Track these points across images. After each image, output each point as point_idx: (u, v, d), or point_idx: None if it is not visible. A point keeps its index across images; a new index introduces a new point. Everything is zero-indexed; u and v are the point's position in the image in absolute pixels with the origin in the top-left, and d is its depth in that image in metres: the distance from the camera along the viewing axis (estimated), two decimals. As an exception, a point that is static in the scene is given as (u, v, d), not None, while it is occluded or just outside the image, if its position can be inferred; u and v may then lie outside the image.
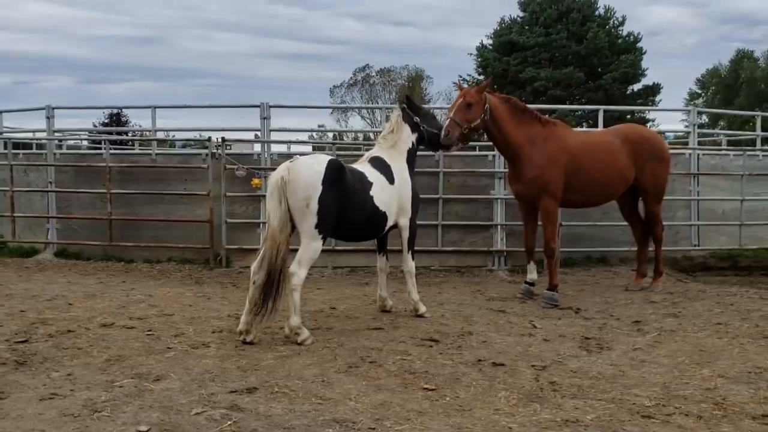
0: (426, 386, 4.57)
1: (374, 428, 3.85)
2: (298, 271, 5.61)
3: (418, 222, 9.83)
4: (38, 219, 10.80)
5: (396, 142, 6.72)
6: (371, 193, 6.11)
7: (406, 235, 6.67)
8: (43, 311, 6.75)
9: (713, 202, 11.07)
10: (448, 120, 7.21)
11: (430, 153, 10.64)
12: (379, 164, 6.46)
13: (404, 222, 6.63)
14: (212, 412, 4.03)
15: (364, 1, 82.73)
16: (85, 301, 7.36)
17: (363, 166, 6.39)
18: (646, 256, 8.61)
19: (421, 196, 9.80)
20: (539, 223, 7.84)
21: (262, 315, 5.55)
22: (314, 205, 5.56)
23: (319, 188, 5.57)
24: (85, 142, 19.39)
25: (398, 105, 7.06)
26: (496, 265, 10.02)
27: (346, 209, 5.82)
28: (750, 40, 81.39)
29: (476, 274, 9.58)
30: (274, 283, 5.52)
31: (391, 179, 6.42)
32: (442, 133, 7.11)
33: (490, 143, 8.19)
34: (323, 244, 5.83)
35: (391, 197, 6.36)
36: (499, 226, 10.10)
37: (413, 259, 6.79)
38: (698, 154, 11.21)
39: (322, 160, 5.76)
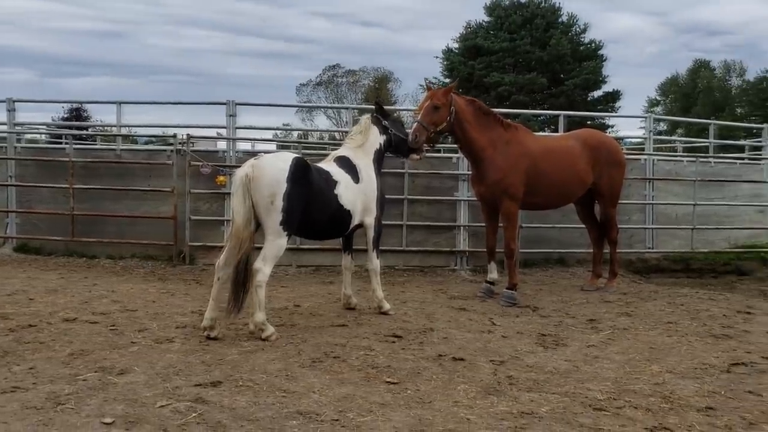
0: (388, 380, 4.69)
1: (338, 420, 3.95)
2: (263, 267, 5.66)
3: (384, 222, 10.02)
4: (-3, 213, 10.60)
5: (363, 143, 6.84)
6: (336, 191, 6.19)
7: (371, 234, 6.77)
8: (2, 306, 6.68)
9: (667, 206, 11.44)
10: (416, 123, 7.35)
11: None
12: (345, 163, 6.55)
13: (369, 221, 6.72)
14: (177, 405, 4.08)
15: (333, 0, 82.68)
16: (46, 296, 7.29)
17: (329, 165, 6.46)
18: (601, 258, 8.89)
19: (386, 196, 10.02)
20: (500, 224, 8.03)
21: (228, 312, 5.61)
22: (279, 202, 5.62)
23: (284, 185, 5.63)
24: (44, 136, 19.04)
25: (372, 109, 7.21)
26: (458, 265, 10.21)
27: (311, 207, 5.89)
28: (708, 49, 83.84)
29: (439, 273, 9.75)
30: (239, 280, 5.57)
31: (356, 178, 6.51)
32: (410, 136, 7.27)
33: (455, 146, 8.36)
34: (288, 242, 5.89)
35: (356, 196, 6.45)
36: (462, 227, 10.29)
37: (378, 257, 6.90)
38: (653, 160, 11.57)
39: (287, 158, 5.83)
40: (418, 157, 7.54)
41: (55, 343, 5.42)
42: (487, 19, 40.68)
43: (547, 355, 5.49)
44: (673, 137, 29.67)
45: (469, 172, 8.95)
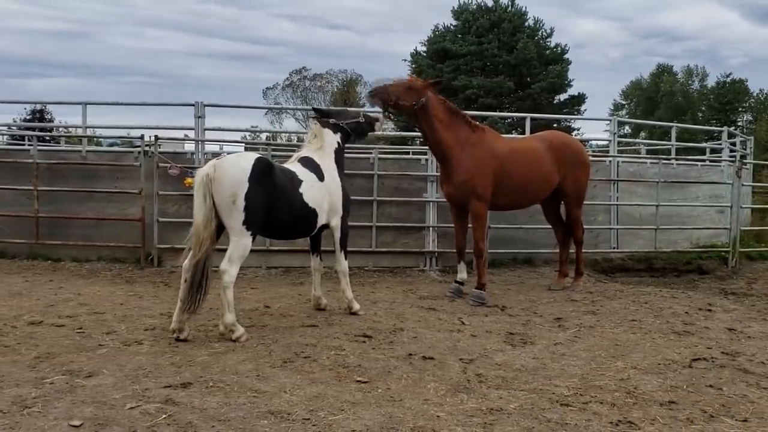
0: (359, 379, 4.72)
1: (309, 419, 3.97)
2: (229, 268, 5.63)
3: (353, 223, 10.04)
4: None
5: (322, 145, 6.87)
6: (301, 190, 6.20)
7: (338, 235, 6.79)
8: (-35, 310, 6.55)
9: (631, 207, 11.67)
10: (384, 83, 7.49)
11: (365, 155, 10.86)
12: (309, 163, 6.57)
13: (336, 222, 6.74)
14: (147, 407, 4.06)
15: (299, 2, 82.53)
16: (10, 299, 7.16)
17: (293, 165, 6.46)
18: (567, 258, 9.04)
19: (355, 198, 10.06)
20: (469, 225, 8.13)
21: (182, 311, 5.55)
22: (240, 202, 5.59)
23: (246, 185, 5.61)
24: (4, 138, 18.63)
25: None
26: (427, 266, 10.28)
27: (275, 206, 5.87)
28: (670, 54, 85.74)
29: (408, 274, 9.81)
30: (196, 280, 5.51)
31: (321, 177, 6.53)
32: (371, 89, 7.49)
33: (423, 148, 8.43)
34: (253, 242, 5.87)
35: (322, 195, 6.46)
36: (431, 228, 10.37)
37: (346, 258, 6.93)
38: (618, 162, 11.81)
39: (249, 158, 5.81)
40: (380, 129, 7.68)
41: (20, 346, 5.34)
42: (454, 22, 40.95)
43: (515, 353, 5.58)
44: (637, 140, 30.27)
45: (438, 174, 9.03)
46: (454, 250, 8.46)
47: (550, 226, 9.35)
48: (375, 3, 78.98)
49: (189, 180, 9.49)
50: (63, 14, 77.27)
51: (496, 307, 7.55)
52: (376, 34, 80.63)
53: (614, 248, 11.40)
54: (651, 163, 12.98)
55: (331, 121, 7.08)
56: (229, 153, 6.09)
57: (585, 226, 10.59)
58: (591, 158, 12.20)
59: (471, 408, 4.24)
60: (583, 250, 9.12)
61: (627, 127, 46.32)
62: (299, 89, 49.28)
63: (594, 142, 20.76)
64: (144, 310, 6.86)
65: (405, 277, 9.57)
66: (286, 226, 6.22)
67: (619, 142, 13.95)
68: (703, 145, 19.05)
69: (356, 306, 6.92)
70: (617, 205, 11.46)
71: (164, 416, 3.92)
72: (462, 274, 8.23)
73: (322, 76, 49.18)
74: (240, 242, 5.68)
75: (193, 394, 4.33)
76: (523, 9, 40.53)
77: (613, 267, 11.11)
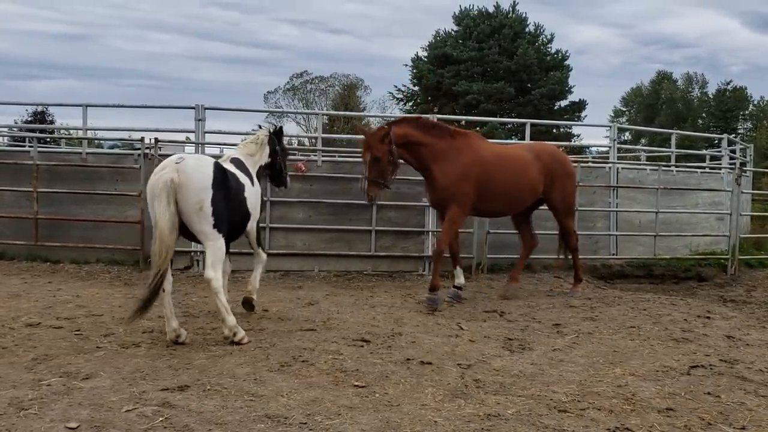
0: (357, 384, 4.72)
1: (306, 423, 3.97)
2: (214, 275, 5.57)
3: (353, 227, 10.09)
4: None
5: (254, 155, 6.84)
6: (246, 194, 6.19)
7: (254, 235, 6.83)
8: (-38, 311, 6.55)
9: (630, 213, 11.67)
10: (365, 180, 7.47)
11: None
12: (241, 167, 6.51)
13: (252, 225, 6.66)
14: (143, 409, 4.06)
15: (300, 7, 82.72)
16: (8, 300, 7.15)
17: (234, 168, 6.36)
18: (522, 265, 8.96)
19: (355, 202, 10.08)
20: (461, 229, 8.12)
21: (135, 312, 5.43)
22: (207, 208, 5.57)
23: (210, 191, 5.58)
24: (4, 139, 18.63)
25: (264, 129, 7.28)
26: (426, 270, 10.26)
27: (230, 210, 5.86)
28: (670, 62, 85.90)
29: (407, 278, 9.80)
30: (156, 285, 5.41)
31: (252, 182, 6.52)
32: (364, 196, 7.60)
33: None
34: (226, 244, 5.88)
35: (256, 198, 6.49)
36: (430, 233, 10.36)
37: (264, 251, 7.08)
38: (617, 168, 11.82)
39: (208, 163, 5.78)
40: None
41: (18, 348, 5.33)
42: (455, 28, 41.05)
43: (513, 359, 5.57)
44: (637, 146, 30.28)
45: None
46: (449, 256, 8.36)
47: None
48: (376, 8, 79.17)
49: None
50: (65, 17, 77.49)
51: (494, 312, 7.54)
52: (376, 39, 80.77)
53: (613, 255, 11.39)
54: (651, 169, 12.98)
55: (277, 147, 7.14)
56: (181, 156, 5.82)
57: (585, 232, 10.63)
58: (592, 164, 12.27)
59: (468, 413, 4.23)
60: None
61: (627, 134, 46.36)
62: (301, 92, 49.28)
63: (594, 149, 20.77)
64: (142, 312, 6.84)
65: (404, 282, 9.56)
66: (237, 228, 6.21)
67: (619, 149, 13.95)
68: (703, 152, 19.12)
69: (254, 296, 6.91)
70: (617, 211, 11.45)
71: (161, 419, 3.92)
72: (459, 279, 8.22)
73: (325, 79, 49.22)
74: (215, 245, 5.65)
75: (191, 397, 4.32)
76: (524, 15, 40.70)
77: (612, 273, 11.10)
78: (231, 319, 5.66)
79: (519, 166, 8.16)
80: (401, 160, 7.77)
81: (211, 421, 3.92)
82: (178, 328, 5.64)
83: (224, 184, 5.76)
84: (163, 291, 5.59)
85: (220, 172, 5.74)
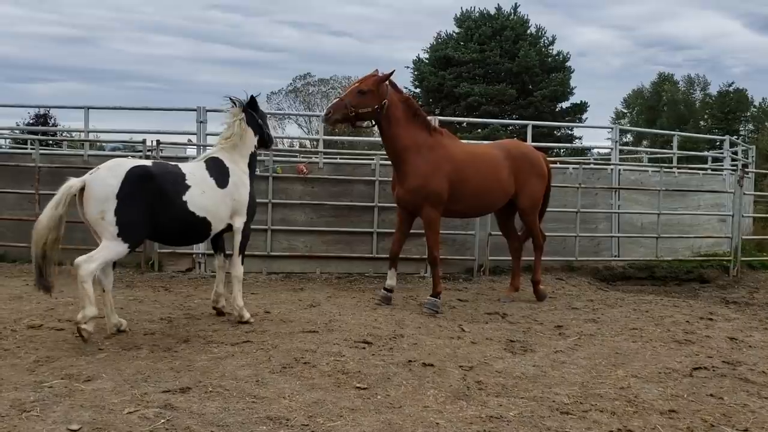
0: (358, 385, 4.71)
1: (307, 425, 3.97)
2: (84, 263, 5.50)
3: (355, 229, 10.07)
4: (-42, 219, 10.36)
5: (237, 145, 6.55)
6: (185, 197, 5.91)
7: (238, 238, 6.51)
8: (-35, 313, 6.55)
9: (632, 215, 11.66)
10: (336, 99, 7.32)
11: (367, 161, 10.87)
12: (215, 166, 6.31)
13: (238, 225, 6.47)
14: (145, 411, 4.05)
15: (302, 9, 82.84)
16: (10, 302, 7.15)
17: (191, 167, 6.24)
18: (519, 269, 8.83)
19: (357, 204, 10.08)
20: (414, 231, 8.03)
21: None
22: (111, 217, 5.52)
23: (114, 201, 5.51)
24: (6, 142, 18.65)
25: (235, 105, 6.65)
26: (427, 272, 10.24)
27: (155, 214, 5.72)
28: (672, 63, 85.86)
29: (409, 280, 9.79)
30: (37, 276, 5.70)
31: (222, 183, 6.25)
32: (326, 110, 7.33)
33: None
34: (132, 250, 5.83)
35: (216, 202, 6.16)
36: (431, 235, 10.33)
37: (243, 264, 6.63)
38: (619, 170, 11.80)
39: (120, 171, 5.61)
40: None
41: (20, 350, 5.34)
42: (457, 30, 41.10)
43: (515, 361, 5.56)
44: (639, 148, 30.29)
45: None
46: (388, 255, 8.21)
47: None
48: (377, 10, 79.29)
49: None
50: (67, 19, 77.81)
51: (496, 314, 7.53)
52: (378, 40, 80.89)
53: (615, 256, 11.37)
54: (653, 171, 12.97)
55: (258, 120, 6.78)
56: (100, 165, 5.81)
57: (587, 234, 10.62)
58: (593, 166, 12.26)
59: (470, 415, 4.23)
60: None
61: (629, 136, 46.37)
62: (303, 94, 49.31)
63: (596, 150, 20.78)
64: (144, 314, 6.85)
65: (405, 284, 9.55)
66: (171, 234, 6.05)
67: (620, 150, 13.94)
68: (705, 153, 19.07)
69: (247, 315, 6.55)
70: (618, 213, 11.44)
71: (163, 421, 3.92)
72: (392, 281, 7.93)
73: (327, 82, 49.22)
74: (111, 247, 5.59)
75: (192, 399, 4.32)
76: (526, 17, 40.76)
77: (613, 275, 11.08)
78: (91, 309, 5.45)
79: (489, 166, 7.94)
80: (377, 127, 7.59)
81: (212, 423, 3.92)
82: (119, 322, 5.96)
83: (140, 191, 5.59)
84: (104, 291, 5.84)
85: (132, 180, 5.57)
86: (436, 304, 7.53)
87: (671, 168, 13.43)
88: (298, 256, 10.03)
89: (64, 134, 21.39)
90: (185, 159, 10.70)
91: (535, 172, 8.32)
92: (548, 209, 9.08)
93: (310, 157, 11.30)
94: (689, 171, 14.59)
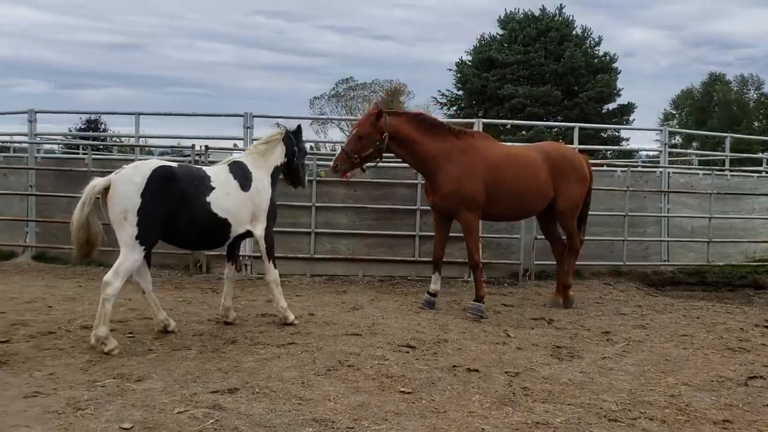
0: (402, 389, 4.71)
1: (353, 428, 3.98)
2: (113, 281, 5.45)
3: (397, 232, 10.08)
4: (17, 222, 10.75)
5: (265, 154, 6.66)
6: (209, 198, 5.94)
7: (263, 245, 6.54)
8: (22, 313, 6.78)
9: (682, 219, 11.38)
10: (340, 151, 7.49)
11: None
12: (239, 169, 6.36)
13: (259, 232, 6.48)
14: (194, 411, 4.13)
15: (345, 14, 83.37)
16: (64, 303, 7.39)
17: (216, 169, 6.29)
18: (565, 273, 8.57)
19: (399, 207, 10.09)
20: (451, 234, 7.95)
21: None
22: (132, 218, 5.50)
23: (137, 200, 5.50)
24: (59, 147, 19.28)
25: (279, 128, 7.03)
26: (470, 276, 10.18)
27: (175, 216, 5.72)
28: (723, 63, 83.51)
29: (452, 284, 9.74)
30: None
31: (246, 186, 6.30)
32: (333, 163, 7.46)
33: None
34: (147, 253, 5.80)
35: (239, 204, 6.20)
36: (475, 239, 10.28)
37: (275, 267, 6.64)
38: (669, 173, 11.54)
39: (145, 171, 5.62)
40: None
41: (74, 349, 5.50)
42: (500, 31, 40.76)
43: (561, 367, 5.48)
44: (689, 150, 29.54)
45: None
46: (431, 260, 8.18)
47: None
48: (419, 13, 79.10)
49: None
50: (116, 27, 79.81)
51: (542, 319, 7.44)
52: (420, 43, 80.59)
53: (664, 261, 11.12)
54: (704, 174, 12.64)
55: (294, 147, 6.90)
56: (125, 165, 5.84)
57: (635, 239, 10.40)
58: (641, 169, 12.02)
59: (516, 421, 4.18)
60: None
61: (678, 138, 45.25)
62: (344, 99, 49.65)
63: (643, 153, 20.32)
64: (192, 315, 7.00)
65: (448, 288, 9.51)
66: (192, 235, 6.01)
67: (669, 153, 13.62)
68: (760, 155, 18.49)
69: (291, 316, 6.63)
70: (668, 216, 11.18)
71: (211, 421, 3.99)
72: (435, 285, 7.92)
73: (369, 86, 49.46)
74: (130, 256, 5.56)
75: (240, 399, 4.39)
76: (571, 18, 40.11)
77: (663, 280, 10.82)
78: (103, 330, 5.39)
79: (527, 167, 7.82)
80: (393, 154, 7.73)
81: (260, 424, 3.97)
82: (166, 320, 6.17)
83: (164, 192, 5.61)
84: (143, 292, 6.05)
85: (157, 180, 5.59)
86: (481, 309, 7.47)
87: (723, 170, 13.05)
88: (341, 258, 10.09)
89: (113, 139, 21.99)
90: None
91: (575, 175, 8.14)
92: (595, 213, 8.91)
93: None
94: (742, 174, 14.16)
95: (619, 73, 39.81)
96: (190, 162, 10.09)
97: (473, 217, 7.62)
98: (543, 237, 10.02)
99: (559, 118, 36.73)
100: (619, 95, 39.79)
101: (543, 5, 39.95)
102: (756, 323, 7.46)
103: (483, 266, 10.15)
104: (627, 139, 37.71)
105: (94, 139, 22.44)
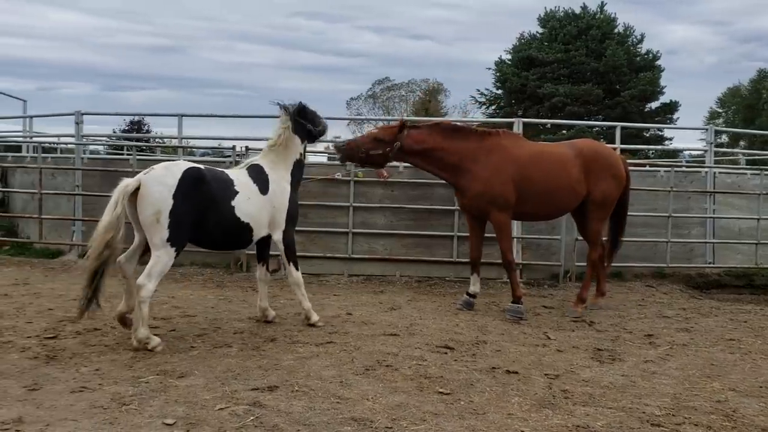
0: (441, 390, 4.70)
1: (391, 428, 3.99)
2: (147, 283, 5.48)
3: (434, 232, 10.06)
4: (64, 221, 11.06)
5: (282, 153, 6.57)
6: (233, 203, 5.94)
7: (281, 247, 6.50)
8: (69, 310, 6.94)
9: (729, 220, 11.09)
10: (353, 140, 7.76)
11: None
12: (257, 173, 6.33)
13: (277, 236, 6.45)
14: (235, 408, 4.20)
15: (383, 14, 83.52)
16: (108, 300, 7.53)
17: (237, 174, 6.25)
18: (605, 275, 8.47)
19: (437, 207, 10.06)
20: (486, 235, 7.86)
21: (84, 308, 5.63)
22: (165, 219, 5.46)
23: (170, 202, 5.47)
24: (103, 148, 19.77)
25: (284, 113, 6.61)
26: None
27: (204, 218, 5.71)
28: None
29: (491, 285, 9.66)
30: (90, 279, 5.62)
31: (264, 189, 6.27)
32: (340, 144, 7.77)
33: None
34: (177, 256, 5.71)
35: (259, 208, 6.19)
36: (515, 239, 10.19)
37: (297, 269, 6.62)
38: (714, 173, 11.26)
39: (176, 172, 5.60)
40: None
41: (119, 346, 5.64)
42: (540, 30, 40.35)
43: (603, 370, 5.40)
44: (736, 150, 28.76)
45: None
46: (469, 261, 8.15)
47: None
48: (458, 13, 78.75)
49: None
50: (158, 29, 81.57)
51: (583, 322, 7.34)
52: (458, 43, 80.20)
53: (710, 263, 10.84)
54: (751, 174, 12.29)
55: (308, 126, 6.72)
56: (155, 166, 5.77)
57: (679, 240, 10.17)
58: (686, 168, 11.74)
59: (556, 424, 4.14)
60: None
61: (724, 137, 44.09)
62: (381, 99, 49.76)
63: (687, 152, 19.84)
64: (233, 313, 7.10)
65: (487, 289, 9.44)
66: (217, 238, 6.01)
67: (715, 152, 13.28)
68: (811, 154, 17.91)
69: (315, 317, 6.61)
70: (714, 218, 10.90)
71: (252, 418, 4.04)
72: (475, 287, 7.88)
73: (406, 85, 49.47)
74: (162, 258, 5.54)
75: (279, 397, 4.44)
76: (613, 15, 39.48)
77: (708, 283, 10.55)
78: (143, 332, 5.50)
79: (557, 165, 7.65)
80: (416, 166, 7.91)
81: (299, 422, 4.01)
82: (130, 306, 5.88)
83: (195, 194, 5.60)
84: (125, 276, 5.93)
85: (188, 182, 5.57)
86: (520, 310, 7.40)
87: (772, 170, 12.65)
88: (378, 258, 10.11)
89: (157, 140, 22.46)
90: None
91: (610, 172, 7.89)
92: (638, 213, 8.74)
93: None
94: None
95: (663, 70, 39.04)
96: (231, 163, 10.23)
97: (504, 217, 7.54)
98: (581, 240, 9.92)
99: (600, 117, 36.19)
100: (663, 93, 39.02)
101: (584, 3, 39.45)
102: (806, 328, 7.23)
103: (522, 267, 10.14)
104: (670, 139, 36.98)
105: (138, 140, 22.95)
